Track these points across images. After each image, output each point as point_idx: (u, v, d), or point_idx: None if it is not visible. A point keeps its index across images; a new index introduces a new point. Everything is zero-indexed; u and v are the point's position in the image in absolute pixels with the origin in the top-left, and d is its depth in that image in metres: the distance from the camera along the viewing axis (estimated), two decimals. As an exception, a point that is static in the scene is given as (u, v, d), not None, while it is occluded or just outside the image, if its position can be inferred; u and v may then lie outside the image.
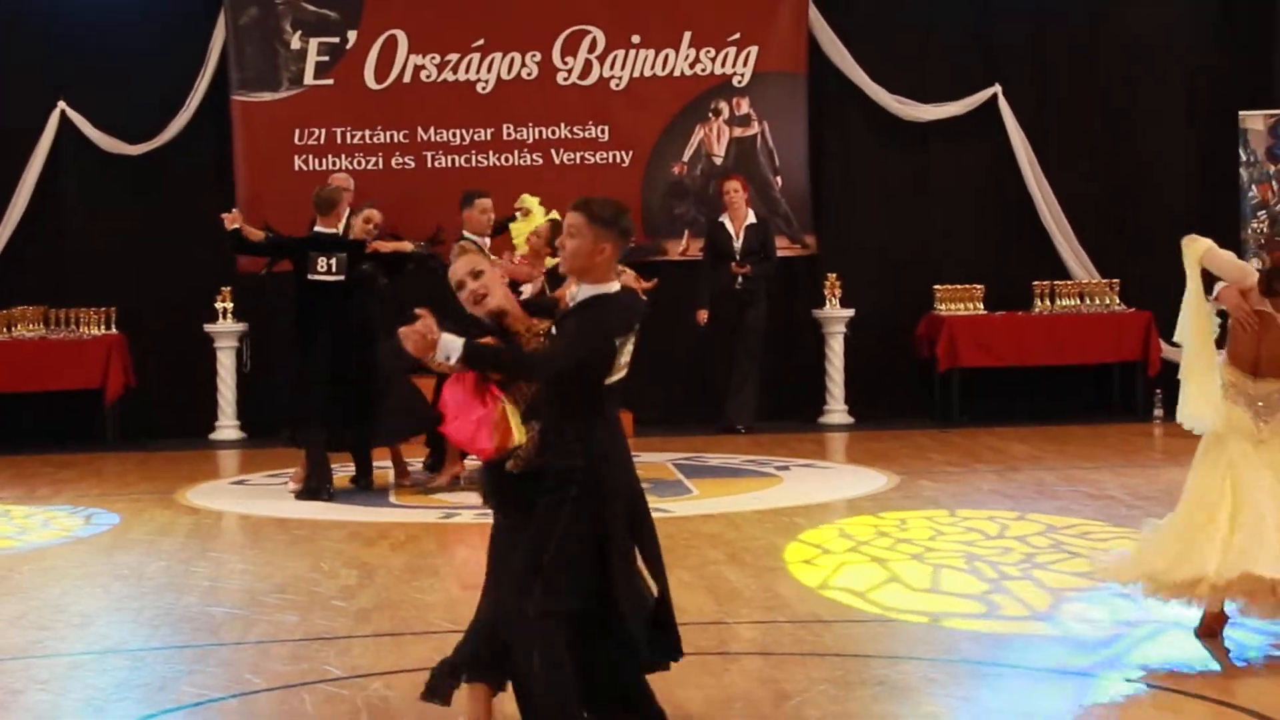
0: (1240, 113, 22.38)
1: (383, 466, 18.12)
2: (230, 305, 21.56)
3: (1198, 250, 12.07)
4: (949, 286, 22.38)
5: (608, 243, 8.46)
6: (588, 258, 8.42)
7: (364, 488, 17.80)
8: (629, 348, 8.53)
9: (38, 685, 10.75)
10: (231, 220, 17.42)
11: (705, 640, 9.47)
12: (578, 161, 22.33)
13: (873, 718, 9.79)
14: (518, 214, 18.02)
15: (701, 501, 17.33)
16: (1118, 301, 22.39)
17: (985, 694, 10.61)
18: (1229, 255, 12.25)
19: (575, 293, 8.44)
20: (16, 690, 10.63)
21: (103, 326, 21.61)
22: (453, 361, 8.13)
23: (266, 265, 18.78)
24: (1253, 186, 22.12)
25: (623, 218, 8.62)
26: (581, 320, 8.48)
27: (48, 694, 10.60)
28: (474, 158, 21.97)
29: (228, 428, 21.80)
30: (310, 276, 17.40)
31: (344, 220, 17.69)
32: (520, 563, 8.54)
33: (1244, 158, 22.10)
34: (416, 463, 18.19)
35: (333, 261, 17.34)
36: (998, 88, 22.58)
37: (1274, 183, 22.03)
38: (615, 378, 8.51)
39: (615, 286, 8.55)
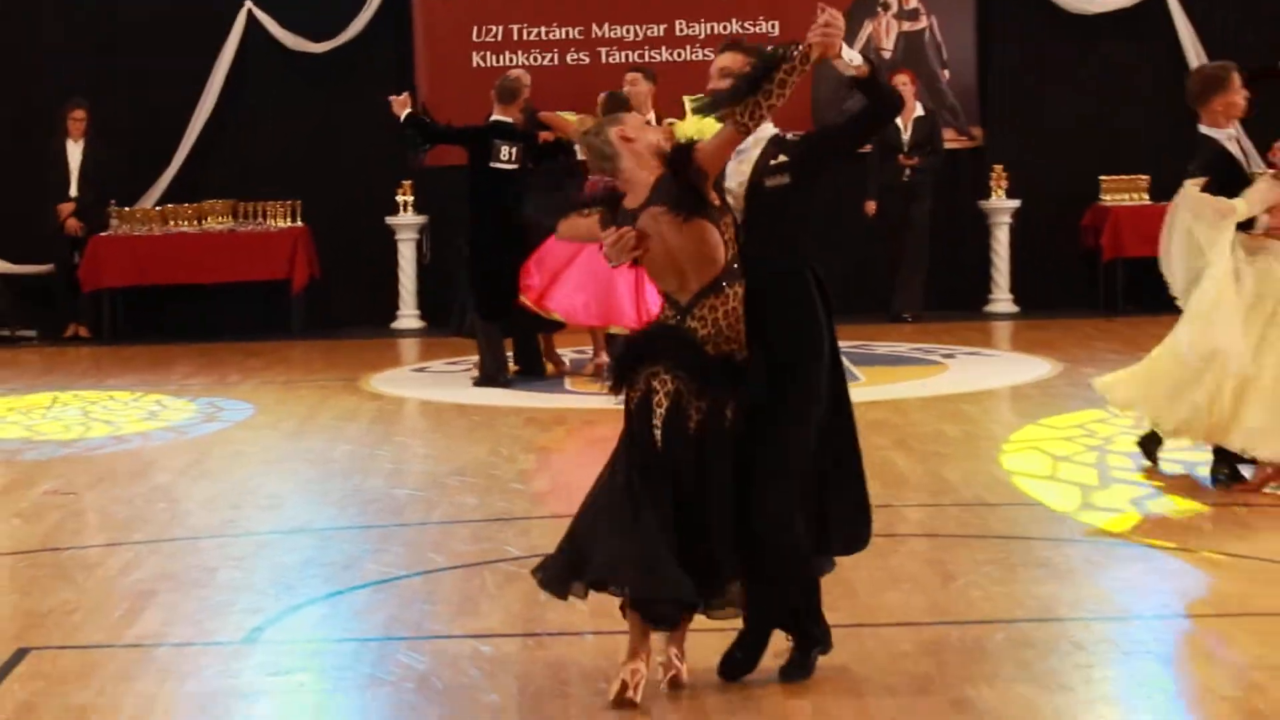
0: None
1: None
2: (411, 198, 21.93)
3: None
4: (1114, 178, 22.53)
5: None
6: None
7: (537, 374, 18.05)
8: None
9: (231, 563, 11.02)
10: (401, 104, 17.58)
11: (873, 523, 8.63)
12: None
13: (1035, 599, 9.81)
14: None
15: (869, 389, 17.28)
16: (1282, 191, 22.26)
17: (1145, 577, 10.60)
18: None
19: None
20: (211, 568, 10.89)
21: (289, 219, 22.09)
22: (857, 63, 7.62)
23: (418, 156, 19.21)
24: None
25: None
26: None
27: (240, 571, 10.84)
28: (646, 53, 22.14)
29: (408, 316, 22.27)
30: (492, 164, 17.42)
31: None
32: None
33: None
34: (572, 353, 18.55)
35: (514, 150, 17.44)
36: None
37: None
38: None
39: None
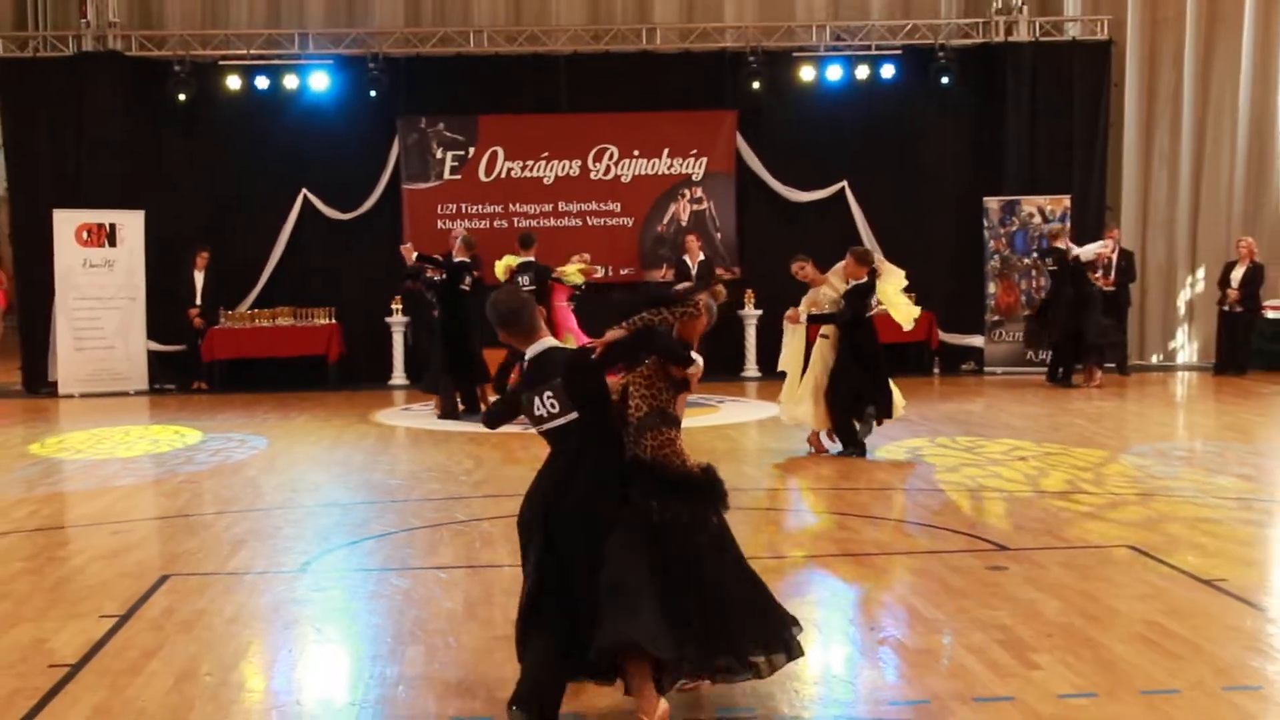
0: (984, 198, 22.62)
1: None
2: (400, 307, 21.74)
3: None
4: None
5: (503, 333, 6.46)
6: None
7: (473, 414, 17.50)
8: (539, 401, 6.21)
9: (289, 523, 11.34)
10: (408, 251, 17.64)
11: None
12: (601, 225, 22.43)
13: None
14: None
15: None
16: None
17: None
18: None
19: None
20: (278, 526, 11.19)
21: (327, 318, 21.94)
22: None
23: (406, 284, 18.89)
24: (991, 241, 22.53)
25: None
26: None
27: (295, 528, 11.13)
28: (540, 221, 21.95)
29: (399, 377, 22.05)
30: (460, 286, 17.43)
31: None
32: None
33: (986, 224, 22.46)
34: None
35: (469, 278, 17.52)
36: (844, 182, 22.51)
37: (1002, 239, 22.53)
38: (540, 428, 6.32)
39: (541, 345, 6.36)
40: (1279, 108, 23.32)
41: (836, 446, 14.35)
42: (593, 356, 6.20)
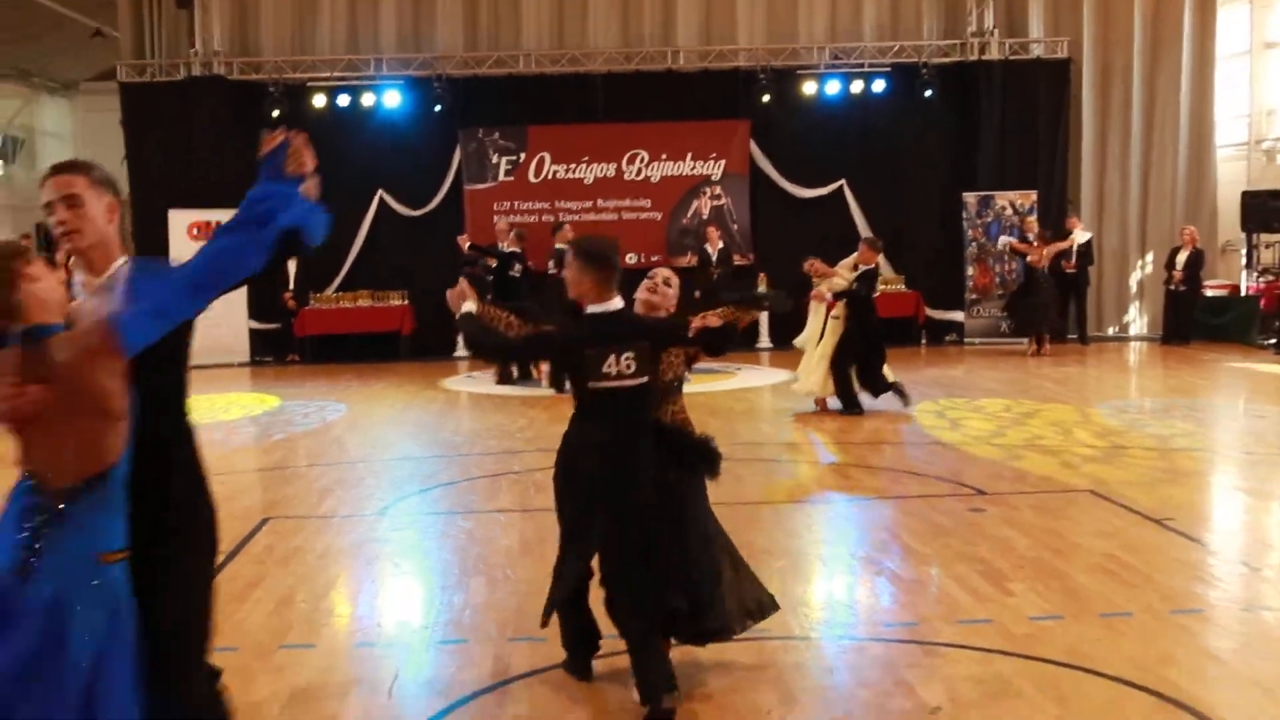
0: (963, 193, 22.60)
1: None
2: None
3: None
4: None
5: (588, 275, 5.52)
6: (575, 285, 5.56)
7: (526, 380, 17.66)
8: (614, 359, 5.45)
9: (370, 474, 11.31)
10: (463, 242, 18.01)
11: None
12: (634, 218, 22.37)
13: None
14: None
15: (697, 385, 17.15)
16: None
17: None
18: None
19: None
20: (360, 477, 11.20)
21: (401, 300, 22.04)
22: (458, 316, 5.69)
23: (467, 264, 18.28)
24: (969, 230, 22.46)
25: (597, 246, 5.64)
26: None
27: (374, 478, 11.15)
28: (580, 216, 21.87)
29: (462, 350, 21.40)
30: (510, 273, 17.63)
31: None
32: None
33: (965, 216, 22.37)
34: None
35: (520, 266, 17.78)
36: (843, 180, 22.51)
37: (979, 228, 22.47)
38: (601, 384, 5.47)
39: (614, 304, 5.57)
40: (1214, 115, 23.47)
41: (838, 405, 14.35)
42: (687, 334, 5.48)
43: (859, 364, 14.28)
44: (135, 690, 3.75)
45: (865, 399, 14.33)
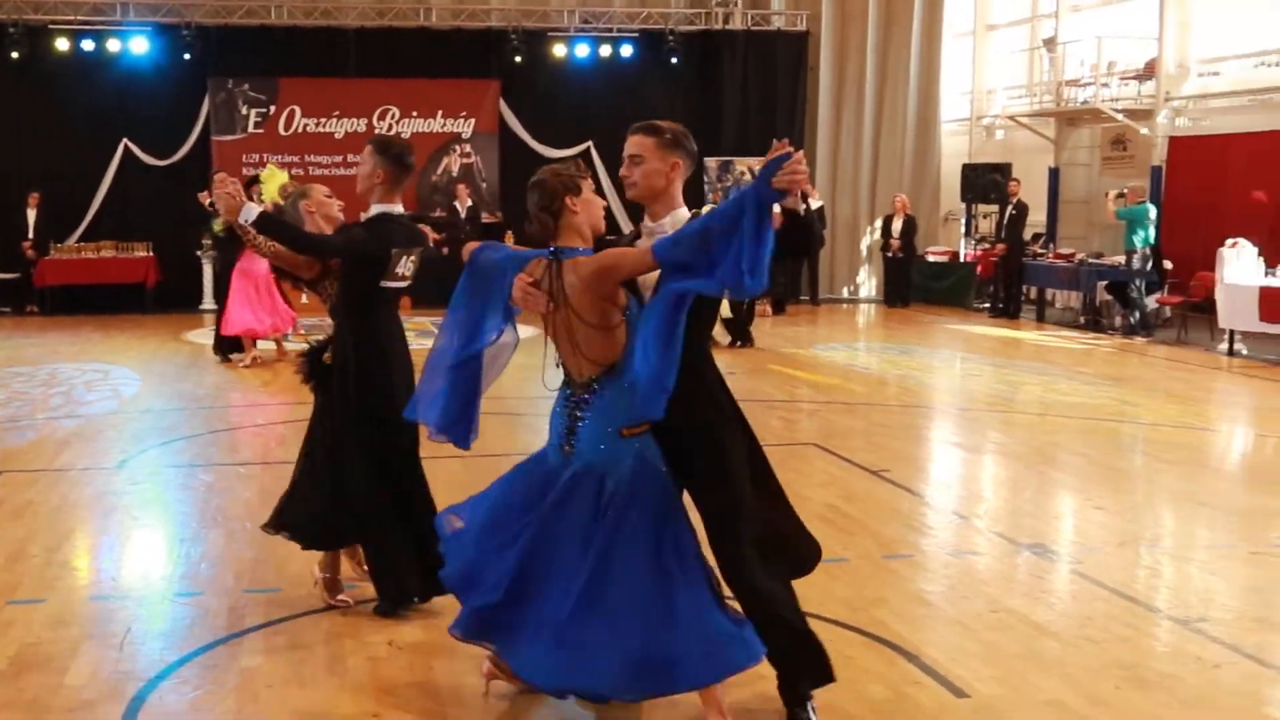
0: (705, 158, 22.39)
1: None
2: (209, 243, 19.61)
3: None
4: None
5: (383, 169, 5.82)
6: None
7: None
8: (406, 260, 5.88)
9: (110, 428, 11.01)
10: (205, 197, 17.05)
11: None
12: None
13: None
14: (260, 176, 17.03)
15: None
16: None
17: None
18: None
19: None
20: (99, 430, 10.83)
21: (145, 251, 21.40)
22: (249, 222, 5.65)
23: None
24: (710, 194, 22.51)
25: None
26: (361, 228, 5.92)
27: (115, 431, 10.80)
28: (330, 171, 21.54)
29: (208, 303, 20.72)
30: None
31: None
32: None
33: (706, 181, 22.58)
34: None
35: None
36: (590, 142, 22.26)
37: (719, 192, 22.60)
38: (392, 284, 5.88)
39: (398, 206, 5.92)
40: (940, 92, 24.35)
41: None
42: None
43: None
44: (651, 543, 4.46)
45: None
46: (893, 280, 22.94)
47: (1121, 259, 18.67)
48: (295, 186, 6.79)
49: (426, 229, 6.84)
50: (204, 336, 18.01)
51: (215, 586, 6.56)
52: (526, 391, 13.48)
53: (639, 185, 4.63)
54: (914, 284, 23.00)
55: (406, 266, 5.97)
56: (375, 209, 5.94)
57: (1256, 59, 19.22)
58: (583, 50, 22.75)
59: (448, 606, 6.09)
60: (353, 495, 5.93)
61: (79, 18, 21.57)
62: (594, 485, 4.55)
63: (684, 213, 4.62)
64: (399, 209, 5.99)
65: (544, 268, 4.62)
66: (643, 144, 4.63)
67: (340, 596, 6.21)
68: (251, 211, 5.69)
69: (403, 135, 21.49)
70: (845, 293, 24.36)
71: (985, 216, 23.29)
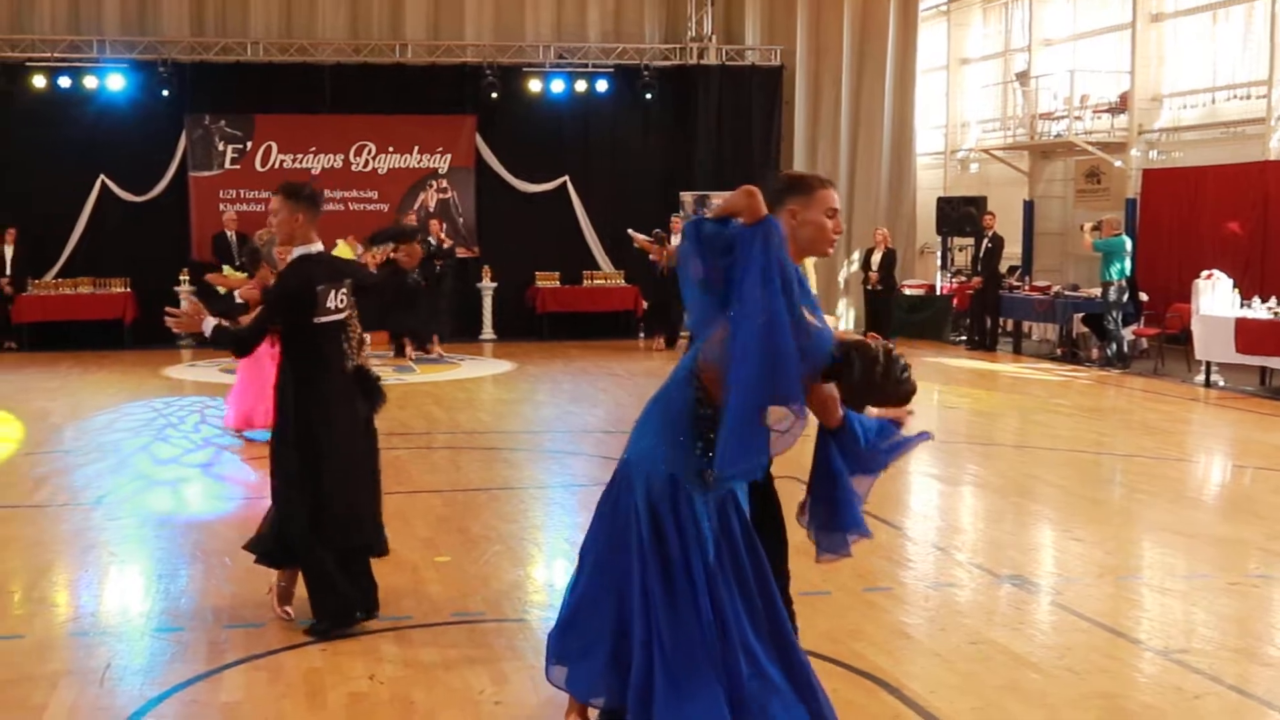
0: (680, 192, 22.95)
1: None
2: (186, 277, 20.99)
3: None
4: (543, 273, 22.39)
5: (300, 212, 6.06)
6: (286, 226, 6.01)
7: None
8: (334, 295, 6.11)
9: (88, 464, 10.86)
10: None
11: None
12: (361, 209, 22.00)
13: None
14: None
15: (425, 376, 16.67)
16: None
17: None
18: None
19: None
20: (76, 465, 10.75)
21: (123, 287, 21.32)
22: (208, 335, 6.05)
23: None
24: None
25: (307, 189, 6.15)
26: (278, 281, 6.26)
27: (93, 468, 10.76)
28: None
29: (186, 341, 20.42)
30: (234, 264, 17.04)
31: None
32: None
33: (682, 214, 22.22)
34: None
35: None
36: (566, 176, 22.58)
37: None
38: (323, 319, 6.08)
39: (317, 245, 6.19)
40: (914, 125, 24.55)
41: None
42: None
43: None
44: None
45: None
46: (872, 313, 22.77)
47: (1098, 291, 18.75)
48: (270, 234, 7.01)
49: (369, 258, 7.29)
50: (182, 372, 18.06)
51: (195, 621, 6.54)
52: (503, 426, 13.50)
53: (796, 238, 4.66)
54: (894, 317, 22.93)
55: (336, 300, 6.14)
56: (296, 251, 6.18)
57: (1228, 91, 19.40)
58: (558, 85, 22.80)
59: (432, 641, 6.12)
60: (283, 518, 6.25)
61: (56, 54, 21.57)
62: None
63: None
64: (318, 247, 6.23)
65: None
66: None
67: (286, 609, 6.44)
68: (209, 326, 6.02)
69: (379, 170, 21.64)
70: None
71: (961, 249, 23.38)
